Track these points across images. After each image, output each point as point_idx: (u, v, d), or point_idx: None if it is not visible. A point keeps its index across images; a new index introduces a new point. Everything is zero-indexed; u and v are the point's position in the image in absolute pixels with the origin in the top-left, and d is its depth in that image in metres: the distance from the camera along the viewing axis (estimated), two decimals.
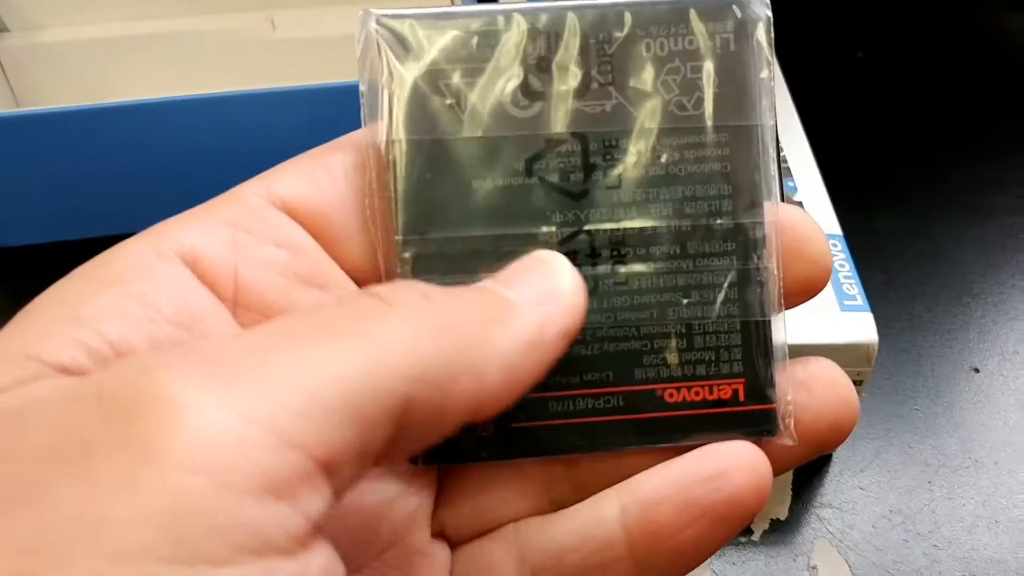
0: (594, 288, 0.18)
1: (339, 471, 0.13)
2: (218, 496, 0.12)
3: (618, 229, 0.19)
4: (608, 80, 0.19)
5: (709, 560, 0.33)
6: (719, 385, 0.19)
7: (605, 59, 0.19)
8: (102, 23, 0.44)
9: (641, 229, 0.19)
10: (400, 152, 0.18)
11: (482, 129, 0.18)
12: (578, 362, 0.18)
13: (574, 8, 0.19)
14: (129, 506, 0.12)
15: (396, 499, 0.19)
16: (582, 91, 0.19)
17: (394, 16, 0.18)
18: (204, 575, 0.12)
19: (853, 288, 0.33)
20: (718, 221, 0.19)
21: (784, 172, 0.36)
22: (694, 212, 0.19)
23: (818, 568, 0.33)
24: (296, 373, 0.13)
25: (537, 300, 0.16)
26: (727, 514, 0.17)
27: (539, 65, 0.18)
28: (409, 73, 0.18)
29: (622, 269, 0.19)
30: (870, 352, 0.32)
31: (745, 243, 0.19)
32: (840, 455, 0.36)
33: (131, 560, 0.11)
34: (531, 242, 0.18)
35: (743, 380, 0.19)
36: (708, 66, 0.19)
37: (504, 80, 0.18)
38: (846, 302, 0.33)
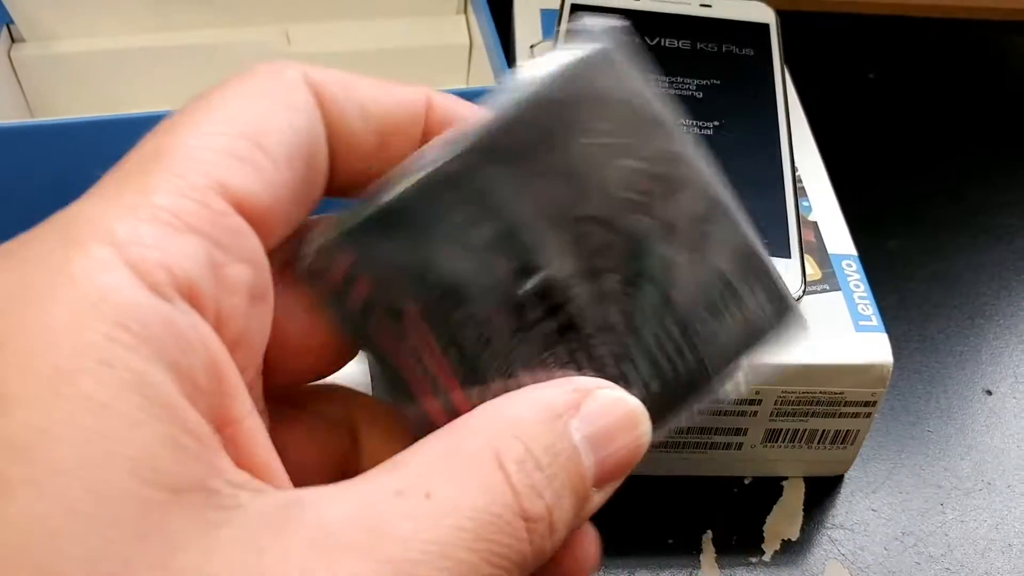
0: None
1: None
2: None
3: None
4: None
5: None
6: None
7: None
8: (117, 35, 0.44)
9: None
10: None
11: None
12: None
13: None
14: None
15: None
16: None
17: None
18: None
19: (868, 308, 0.33)
20: None
21: (799, 192, 0.36)
22: None
23: None
24: None
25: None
26: None
27: None
28: None
29: None
30: (884, 373, 0.32)
31: None
32: (852, 476, 0.36)
33: None
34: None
35: None
36: None
37: None
38: (861, 322, 0.33)
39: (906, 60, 0.55)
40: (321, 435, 0.20)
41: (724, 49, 0.41)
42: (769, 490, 0.36)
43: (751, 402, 0.33)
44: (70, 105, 0.44)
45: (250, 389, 0.16)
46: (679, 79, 0.40)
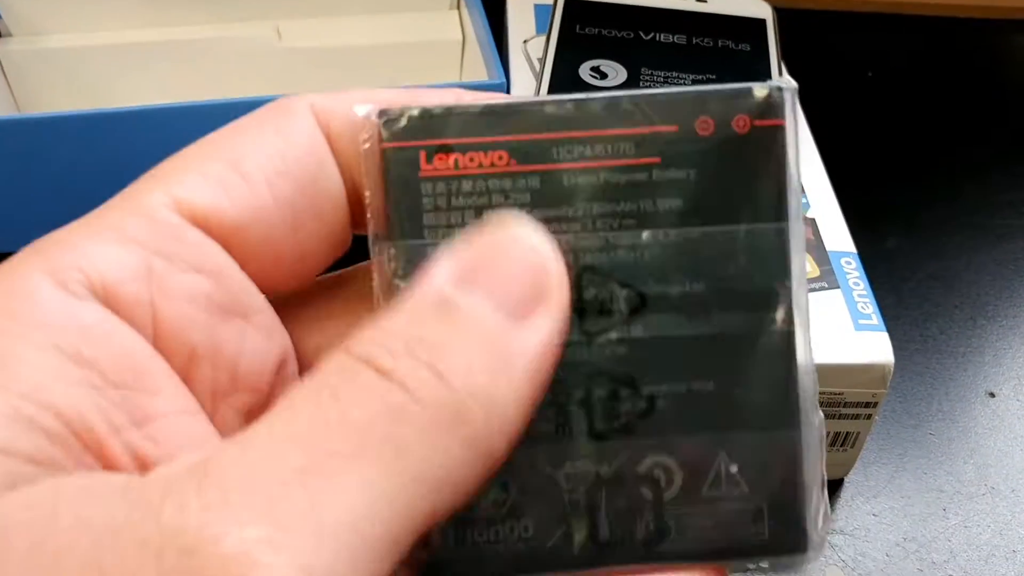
0: None
1: None
2: None
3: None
4: None
5: None
6: None
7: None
8: (105, 30, 0.44)
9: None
10: None
11: None
12: None
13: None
14: None
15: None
16: None
17: None
18: None
19: (868, 307, 0.32)
20: None
21: None
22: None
23: None
24: (341, 518, 0.13)
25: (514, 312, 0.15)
26: None
27: None
28: None
29: None
30: (886, 373, 0.31)
31: None
32: (852, 480, 0.35)
33: None
34: None
35: None
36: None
37: None
38: (861, 321, 0.32)
39: (905, 58, 0.54)
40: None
41: (720, 44, 0.41)
42: None
43: None
44: (57, 100, 0.43)
45: (223, 396, 0.16)
46: (675, 74, 0.39)
